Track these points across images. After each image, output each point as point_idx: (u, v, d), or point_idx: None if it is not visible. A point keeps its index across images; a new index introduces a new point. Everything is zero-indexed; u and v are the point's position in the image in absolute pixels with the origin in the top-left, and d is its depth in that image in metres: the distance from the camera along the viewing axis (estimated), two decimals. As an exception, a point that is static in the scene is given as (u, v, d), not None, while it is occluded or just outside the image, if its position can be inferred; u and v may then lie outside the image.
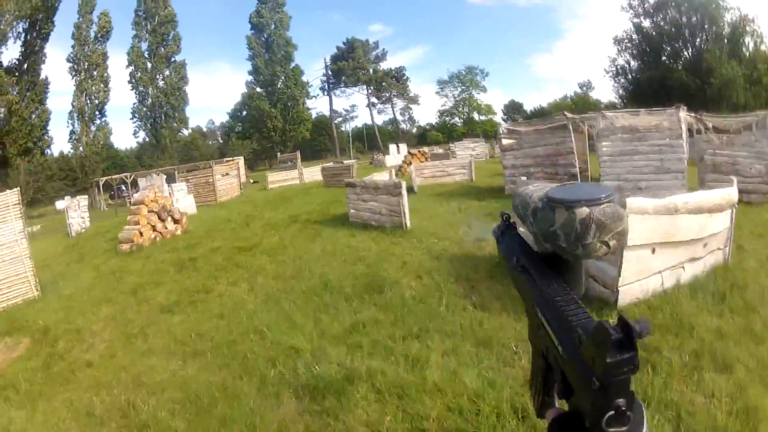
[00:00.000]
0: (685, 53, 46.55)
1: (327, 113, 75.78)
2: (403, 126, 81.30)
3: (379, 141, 67.70)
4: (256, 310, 7.07)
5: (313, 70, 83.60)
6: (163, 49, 54.03)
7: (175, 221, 15.82)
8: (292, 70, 62.72)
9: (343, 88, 76.25)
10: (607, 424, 0.54)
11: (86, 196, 33.61)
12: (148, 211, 14.95)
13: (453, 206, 14.27)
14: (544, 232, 0.75)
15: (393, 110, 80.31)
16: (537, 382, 0.82)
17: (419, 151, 30.14)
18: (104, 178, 39.71)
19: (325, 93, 75.27)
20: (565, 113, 15.57)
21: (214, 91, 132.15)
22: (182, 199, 20.77)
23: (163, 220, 15.26)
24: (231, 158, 44.70)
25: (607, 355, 0.52)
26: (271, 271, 9.34)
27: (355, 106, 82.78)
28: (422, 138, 75.11)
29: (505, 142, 16.12)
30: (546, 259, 0.80)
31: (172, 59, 54.87)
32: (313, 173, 31.95)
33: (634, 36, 50.52)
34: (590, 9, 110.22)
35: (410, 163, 27.40)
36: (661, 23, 47.74)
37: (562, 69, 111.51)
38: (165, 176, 23.69)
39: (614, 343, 0.52)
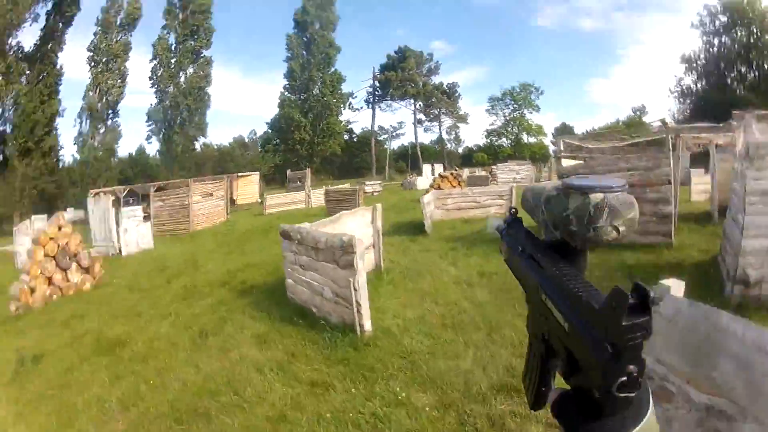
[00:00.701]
0: (753, 74, 44.94)
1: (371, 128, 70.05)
2: (449, 146, 75.26)
3: (420, 160, 61.67)
4: None
5: (361, 82, 77.48)
6: (192, 43, 48.17)
7: (84, 270, 11.29)
8: (330, 75, 55.84)
9: (389, 102, 70.02)
10: (618, 390, 0.53)
11: (73, 210, 29.17)
12: (44, 256, 10.50)
13: (475, 266, 8.94)
14: (556, 218, 0.76)
15: (440, 128, 74.27)
16: (533, 373, 0.82)
17: (452, 173, 24.26)
18: (96, 191, 34.76)
19: (369, 106, 69.32)
20: (665, 121, 9.66)
21: (268, 99, 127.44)
22: (132, 229, 16.36)
23: (64, 269, 10.84)
24: (247, 173, 40.30)
25: (622, 318, 0.51)
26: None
27: (403, 123, 74.85)
28: (467, 159, 70.37)
29: (565, 163, 10.24)
30: (554, 247, 0.79)
31: (201, 55, 49.03)
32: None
33: (702, 55, 48.32)
34: (648, 35, 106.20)
35: (438, 187, 21.80)
36: (731, 42, 45.77)
37: (616, 94, 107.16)
38: (113, 198, 18.37)
39: (630, 307, 0.52)
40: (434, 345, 5.42)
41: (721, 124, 10.41)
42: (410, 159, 68.49)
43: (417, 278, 8.31)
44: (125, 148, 58.46)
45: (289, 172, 36.31)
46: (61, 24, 37.33)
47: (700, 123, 10.84)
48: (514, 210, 1.02)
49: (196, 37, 48.17)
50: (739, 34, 44.64)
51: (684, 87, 49.41)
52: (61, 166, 39.84)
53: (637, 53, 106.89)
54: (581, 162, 10.05)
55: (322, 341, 5.70)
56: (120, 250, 15.63)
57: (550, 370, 0.77)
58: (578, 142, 11.84)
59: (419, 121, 71.87)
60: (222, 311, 7.81)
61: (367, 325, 5.68)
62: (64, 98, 38.35)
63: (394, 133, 73.89)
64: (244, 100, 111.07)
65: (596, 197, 0.71)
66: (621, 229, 0.71)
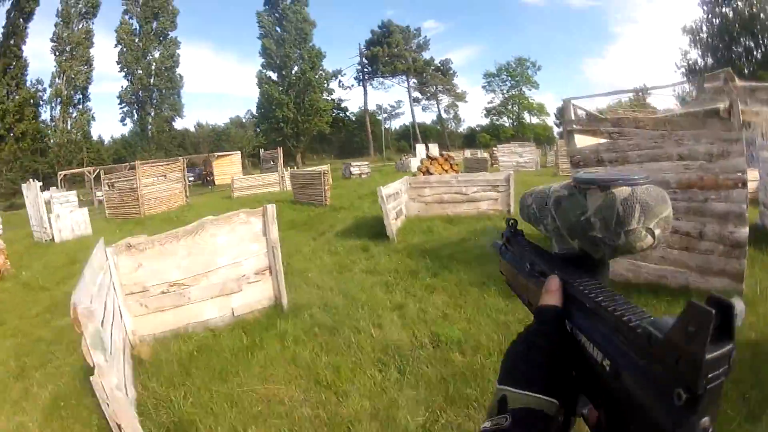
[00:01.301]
0: (760, 49, 41.73)
1: (368, 107, 66.84)
2: (450, 126, 72.05)
3: (419, 140, 58.38)
4: None
5: (349, 59, 73.99)
6: (155, 25, 47.48)
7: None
8: (309, 51, 51.81)
9: (381, 80, 67.25)
10: None
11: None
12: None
13: (438, 313, 5.71)
14: (573, 224, 0.63)
15: (438, 107, 71.02)
16: None
17: (443, 155, 20.82)
18: (63, 172, 32.18)
19: (360, 83, 66.07)
20: (731, 74, 6.16)
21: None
22: (66, 216, 15.23)
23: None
24: (227, 153, 37.29)
25: (706, 347, 0.38)
26: None
27: (402, 102, 72.28)
28: (471, 139, 68.92)
29: (580, 142, 6.81)
30: (569, 261, 0.65)
31: (167, 36, 48.27)
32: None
33: (704, 27, 44.75)
34: (641, 13, 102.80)
35: (426, 171, 18.50)
36: (734, 15, 42.32)
37: (614, 74, 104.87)
38: (40, 183, 16.25)
39: (714, 331, 0.38)
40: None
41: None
42: (411, 138, 65.79)
43: (325, 342, 4.94)
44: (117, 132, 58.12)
45: (262, 152, 33.01)
46: (21, 20, 38.69)
47: None
48: (512, 222, 0.84)
49: (159, 19, 48.04)
50: (739, 4, 41.66)
51: (690, 62, 45.59)
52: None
53: (632, 31, 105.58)
54: (605, 141, 6.58)
55: None
56: (53, 237, 14.79)
57: (571, 425, 0.56)
58: (599, 113, 8.29)
59: (416, 100, 69.40)
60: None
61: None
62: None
63: (393, 112, 71.24)
64: (242, 82, 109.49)
65: (622, 192, 0.58)
66: (656, 232, 0.57)
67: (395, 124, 74.77)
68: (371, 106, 67.99)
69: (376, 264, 7.98)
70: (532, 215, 0.76)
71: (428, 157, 20.53)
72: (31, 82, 40.46)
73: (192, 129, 63.46)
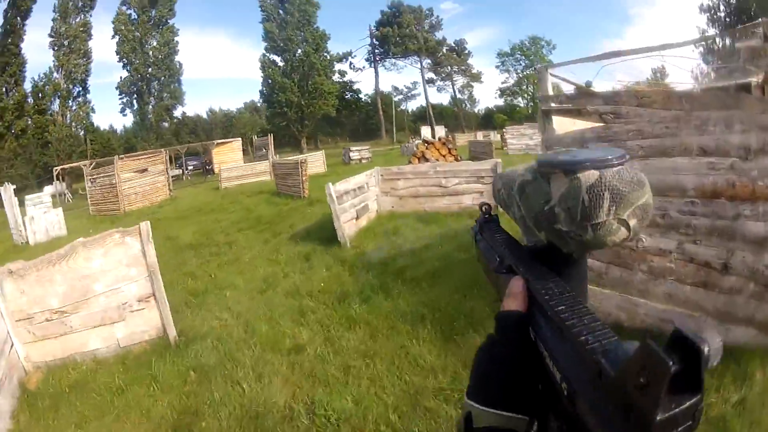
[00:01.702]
0: None
1: (381, 88, 64.81)
2: (466, 106, 69.86)
3: (433, 122, 56.47)
4: None
5: (359, 41, 71.68)
6: (153, 13, 46.19)
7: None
8: (312, 33, 49.61)
9: (393, 61, 65.13)
10: None
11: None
12: None
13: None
14: (537, 213, 0.57)
15: (453, 88, 68.66)
16: None
17: (441, 139, 19.04)
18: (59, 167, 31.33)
19: (371, 65, 63.87)
20: None
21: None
22: (40, 217, 14.82)
23: None
24: (227, 140, 35.95)
25: (658, 407, 0.32)
26: None
27: (417, 83, 68.99)
28: (488, 120, 66.62)
29: (562, 127, 5.06)
30: (540, 256, 0.60)
31: (165, 24, 46.99)
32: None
33: (721, 6, 41.72)
34: None
35: (421, 157, 16.91)
36: None
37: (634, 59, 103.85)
38: (14, 186, 15.50)
39: (671, 382, 0.31)
40: None
41: None
42: (428, 120, 64.05)
43: (188, 394, 4.05)
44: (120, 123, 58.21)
45: (255, 138, 31.39)
46: (19, 18, 38.14)
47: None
48: (486, 207, 0.78)
49: (158, 7, 46.84)
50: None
51: (709, 42, 43.23)
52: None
53: (650, 13, 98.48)
54: (594, 126, 4.71)
55: None
56: (28, 240, 14.38)
57: None
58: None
59: (431, 81, 67.09)
60: None
61: None
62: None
63: (409, 94, 69.35)
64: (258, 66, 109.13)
65: (588, 177, 0.50)
66: (631, 223, 0.50)
67: (412, 106, 72.50)
68: (386, 88, 66.06)
69: (307, 280, 6.70)
70: (501, 201, 0.68)
71: (424, 141, 18.75)
72: (39, 75, 40.23)
73: (204, 116, 63.27)
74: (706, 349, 0.31)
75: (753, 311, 3.51)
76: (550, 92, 5.22)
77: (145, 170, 20.15)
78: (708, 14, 42.65)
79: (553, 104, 5.00)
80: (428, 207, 9.69)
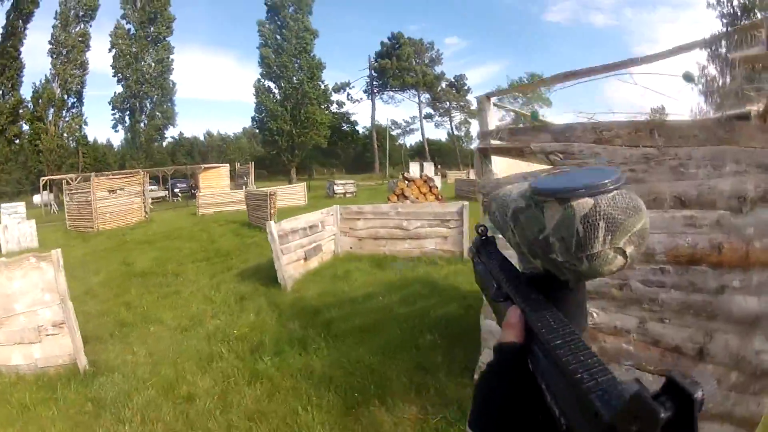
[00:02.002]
0: None
1: (380, 122, 64.85)
2: (463, 143, 70.51)
3: (427, 157, 56.41)
4: None
5: (359, 71, 72.45)
6: (151, 29, 45.67)
7: None
8: (308, 62, 48.91)
9: (391, 94, 65.47)
10: None
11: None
12: None
13: None
14: (531, 242, 0.56)
15: (451, 124, 69.21)
16: None
17: (423, 177, 18.68)
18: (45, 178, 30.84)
19: (368, 96, 63.90)
20: None
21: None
22: (14, 227, 15.06)
23: None
24: (215, 165, 35.64)
25: None
26: None
27: (416, 117, 69.25)
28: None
29: (505, 169, 4.55)
30: (536, 283, 0.58)
31: (162, 41, 46.47)
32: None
33: (723, 41, 41.84)
34: (661, 34, 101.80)
35: (401, 195, 16.64)
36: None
37: (633, 94, 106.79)
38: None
39: (664, 428, 0.33)
40: None
41: None
42: (430, 156, 64.31)
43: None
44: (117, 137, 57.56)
45: (238, 166, 31.01)
46: (20, 21, 37.71)
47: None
48: (482, 228, 0.75)
49: (155, 24, 46.51)
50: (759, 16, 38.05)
51: (709, 78, 43.62)
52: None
53: (653, 50, 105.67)
54: (540, 170, 4.02)
55: None
56: (0, 248, 14.31)
57: None
58: (542, 111, 5.45)
59: (429, 116, 67.39)
60: None
61: None
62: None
63: (408, 128, 69.84)
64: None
65: (583, 205, 0.49)
66: (628, 250, 0.50)
67: (411, 140, 72.69)
68: (384, 121, 66.18)
69: (232, 323, 6.26)
70: (496, 223, 0.67)
71: (404, 178, 18.39)
72: (40, 81, 39.92)
73: (201, 138, 63.41)
74: (699, 394, 0.33)
75: (732, 406, 2.78)
76: (492, 126, 4.46)
77: (114, 191, 19.68)
78: (708, 49, 43.44)
79: (494, 141, 4.21)
80: (388, 250, 9.12)
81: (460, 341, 4.62)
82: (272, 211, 13.74)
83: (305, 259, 8.12)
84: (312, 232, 8.44)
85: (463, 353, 4.43)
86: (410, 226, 9.13)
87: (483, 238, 0.75)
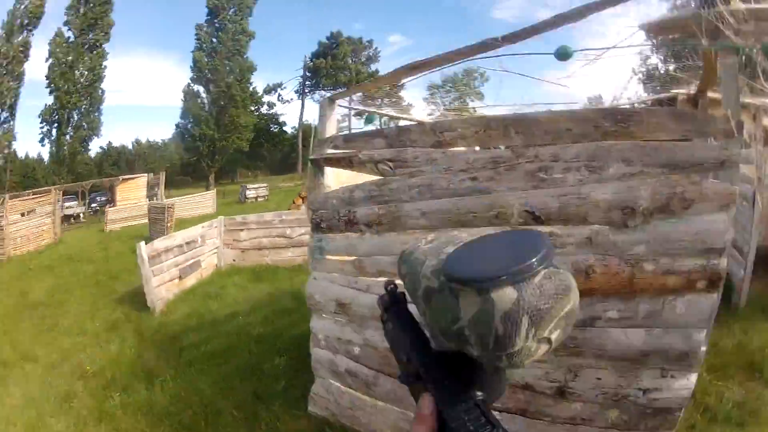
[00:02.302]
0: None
1: (309, 122, 63.73)
2: (394, 142, 70.54)
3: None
4: None
5: (294, 71, 71.06)
6: (90, 36, 42.88)
7: None
8: (240, 64, 47.50)
9: (323, 93, 64.45)
10: None
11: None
12: None
13: None
14: (445, 330, 0.51)
15: (380, 122, 68.72)
16: None
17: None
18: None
19: (299, 97, 62.89)
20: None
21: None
22: None
23: None
24: (132, 176, 34.13)
25: None
26: None
27: (347, 116, 68.16)
28: None
29: (340, 181, 3.89)
30: (448, 361, 0.54)
31: (97, 48, 43.71)
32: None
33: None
34: (611, 28, 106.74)
35: (305, 198, 16.54)
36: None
37: (572, 86, 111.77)
38: None
39: None
40: None
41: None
42: None
43: None
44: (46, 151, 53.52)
45: (150, 176, 29.98)
46: None
47: None
48: (392, 287, 0.67)
49: (94, 30, 43.59)
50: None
51: (650, 67, 43.50)
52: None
53: (595, 46, 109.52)
54: (370, 182, 3.30)
55: None
56: None
57: None
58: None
59: (360, 114, 66.37)
60: None
61: None
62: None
63: (339, 128, 68.47)
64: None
65: (504, 299, 0.43)
66: (554, 336, 0.46)
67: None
68: (314, 121, 65.09)
69: (97, 356, 5.95)
70: (407, 289, 0.61)
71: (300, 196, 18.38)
72: None
73: (130, 146, 60.29)
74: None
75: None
76: (331, 132, 4.02)
77: (24, 214, 18.31)
78: (652, 35, 43.91)
79: (329, 150, 3.66)
80: (271, 259, 9.17)
81: (306, 364, 4.16)
82: (169, 225, 13.45)
83: (180, 278, 8.06)
84: (189, 249, 8.39)
85: (306, 378, 4.10)
86: (293, 233, 9.25)
87: (393, 297, 0.67)
